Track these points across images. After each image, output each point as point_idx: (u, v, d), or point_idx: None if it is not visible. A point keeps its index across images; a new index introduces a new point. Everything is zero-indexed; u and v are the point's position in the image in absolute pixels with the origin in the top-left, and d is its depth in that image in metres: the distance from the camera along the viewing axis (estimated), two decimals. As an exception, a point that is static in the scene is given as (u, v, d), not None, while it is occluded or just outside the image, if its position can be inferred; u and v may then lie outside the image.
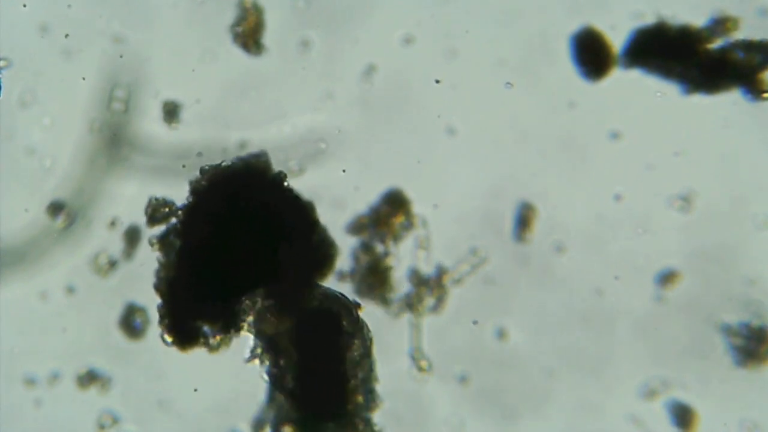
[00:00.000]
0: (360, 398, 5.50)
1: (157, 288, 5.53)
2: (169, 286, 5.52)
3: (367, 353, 5.51)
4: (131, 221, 5.72)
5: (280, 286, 5.49)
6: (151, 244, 5.55)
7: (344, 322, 5.48)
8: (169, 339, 5.54)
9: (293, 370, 5.49)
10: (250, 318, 5.52)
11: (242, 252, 5.48)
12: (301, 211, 5.57)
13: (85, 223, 5.75)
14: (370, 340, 5.53)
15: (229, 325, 5.53)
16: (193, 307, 5.51)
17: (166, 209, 5.59)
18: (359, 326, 5.52)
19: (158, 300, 5.53)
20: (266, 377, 5.54)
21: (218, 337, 5.54)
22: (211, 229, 5.51)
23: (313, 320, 5.50)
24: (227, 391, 5.69)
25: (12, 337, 5.78)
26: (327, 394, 5.46)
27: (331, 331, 5.48)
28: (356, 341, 5.48)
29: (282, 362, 5.52)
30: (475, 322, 5.66)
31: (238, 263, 5.48)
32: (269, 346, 5.52)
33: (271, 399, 5.56)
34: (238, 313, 5.53)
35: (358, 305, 5.55)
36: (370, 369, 5.53)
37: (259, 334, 5.53)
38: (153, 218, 5.60)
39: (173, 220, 5.57)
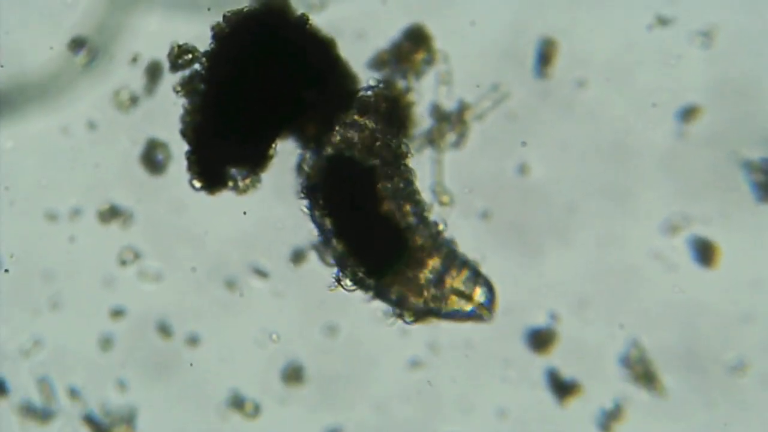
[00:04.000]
0: (408, 206, 5.49)
1: (184, 133, 5.48)
2: (196, 131, 5.48)
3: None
4: (153, 57, 5.71)
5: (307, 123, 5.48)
6: (176, 91, 5.51)
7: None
8: (198, 184, 5.50)
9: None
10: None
11: (267, 93, 5.46)
12: (323, 49, 5.56)
13: (107, 58, 5.73)
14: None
15: (257, 167, 5.53)
16: (220, 150, 5.49)
17: (189, 55, 5.55)
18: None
19: (185, 146, 5.48)
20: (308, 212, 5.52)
21: (246, 180, 5.53)
22: (235, 73, 5.48)
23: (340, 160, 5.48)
24: (248, 227, 5.69)
25: (34, 171, 5.77)
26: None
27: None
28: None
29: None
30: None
31: (263, 105, 5.46)
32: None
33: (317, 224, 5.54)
34: (265, 155, 5.52)
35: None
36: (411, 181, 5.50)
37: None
38: (176, 64, 5.56)
39: (197, 65, 5.56)
